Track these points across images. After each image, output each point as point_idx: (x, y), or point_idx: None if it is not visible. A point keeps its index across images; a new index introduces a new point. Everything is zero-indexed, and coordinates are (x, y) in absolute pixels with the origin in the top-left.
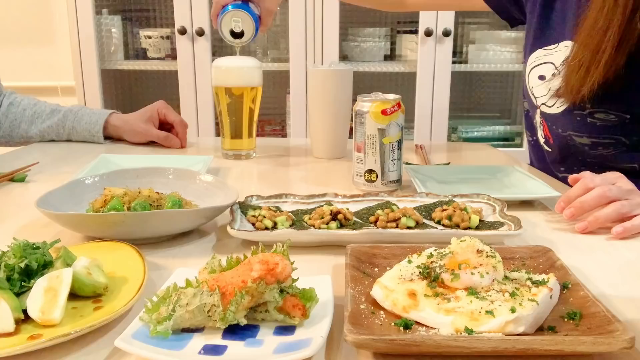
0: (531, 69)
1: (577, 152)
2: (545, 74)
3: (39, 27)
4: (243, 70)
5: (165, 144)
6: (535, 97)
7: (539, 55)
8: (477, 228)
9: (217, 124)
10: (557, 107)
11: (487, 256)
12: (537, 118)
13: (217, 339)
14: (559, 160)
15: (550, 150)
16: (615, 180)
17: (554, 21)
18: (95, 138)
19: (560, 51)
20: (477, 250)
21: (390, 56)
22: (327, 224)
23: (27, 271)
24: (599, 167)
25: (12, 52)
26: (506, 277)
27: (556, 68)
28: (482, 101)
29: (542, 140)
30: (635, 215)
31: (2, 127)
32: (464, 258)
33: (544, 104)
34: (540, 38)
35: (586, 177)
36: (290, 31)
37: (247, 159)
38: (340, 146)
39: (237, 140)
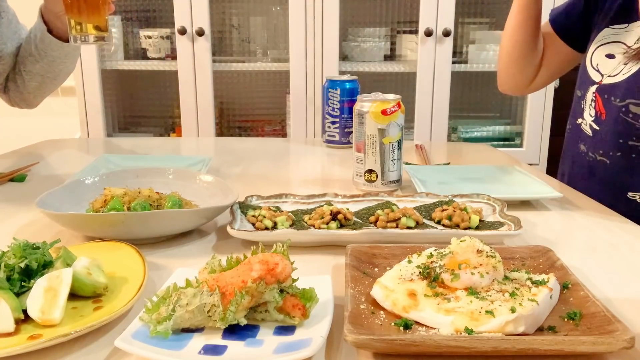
0: (597, 47)
1: (628, 129)
2: (615, 53)
3: None
4: None
5: None
6: (601, 74)
7: (606, 34)
8: (477, 228)
9: (217, 124)
10: (622, 74)
11: (487, 256)
12: (589, 95)
13: (217, 339)
14: (605, 142)
15: (598, 129)
16: None
17: (634, 4)
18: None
19: (633, 32)
20: (477, 250)
21: (390, 56)
22: (327, 224)
23: (27, 271)
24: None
25: None
26: (506, 277)
27: (629, 47)
28: (482, 101)
29: (590, 120)
30: None
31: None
32: (464, 258)
33: (609, 75)
34: (609, 18)
35: None
36: (290, 31)
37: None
38: None
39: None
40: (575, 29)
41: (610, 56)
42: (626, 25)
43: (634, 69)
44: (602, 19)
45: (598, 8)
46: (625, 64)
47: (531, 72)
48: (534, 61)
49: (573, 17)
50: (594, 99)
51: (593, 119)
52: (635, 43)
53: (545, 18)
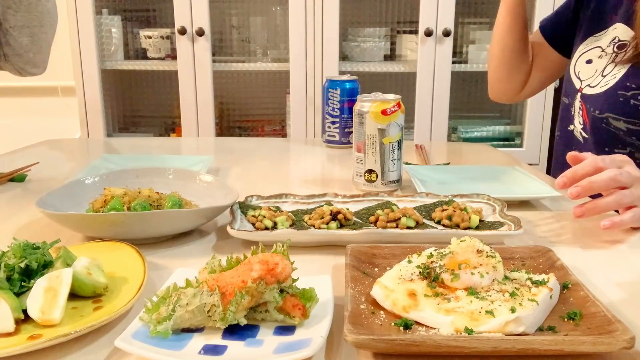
0: (580, 56)
1: (612, 139)
2: (592, 57)
3: None
4: None
5: None
6: (580, 80)
7: (588, 42)
8: (477, 228)
9: (217, 124)
10: (600, 87)
11: (487, 256)
12: (577, 103)
13: (217, 339)
14: (594, 149)
15: (586, 136)
16: (623, 164)
17: (606, 10)
18: None
19: (608, 34)
20: (477, 250)
21: (390, 56)
22: (327, 224)
23: (27, 271)
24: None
25: None
26: (506, 277)
27: (603, 50)
28: (482, 101)
29: (579, 127)
30: (631, 207)
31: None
32: (464, 258)
33: (588, 85)
34: (592, 28)
35: (595, 156)
36: (290, 31)
37: None
38: None
39: None
40: (564, 36)
41: (589, 61)
42: (605, 30)
43: (611, 83)
44: (586, 28)
45: (580, 17)
46: (604, 75)
47: (521, 79)
48: (523, 67)
49: (561, 24)
50: (581, 107)
51: (582, 126)
52: (607, 46)
53: (535, 27)
